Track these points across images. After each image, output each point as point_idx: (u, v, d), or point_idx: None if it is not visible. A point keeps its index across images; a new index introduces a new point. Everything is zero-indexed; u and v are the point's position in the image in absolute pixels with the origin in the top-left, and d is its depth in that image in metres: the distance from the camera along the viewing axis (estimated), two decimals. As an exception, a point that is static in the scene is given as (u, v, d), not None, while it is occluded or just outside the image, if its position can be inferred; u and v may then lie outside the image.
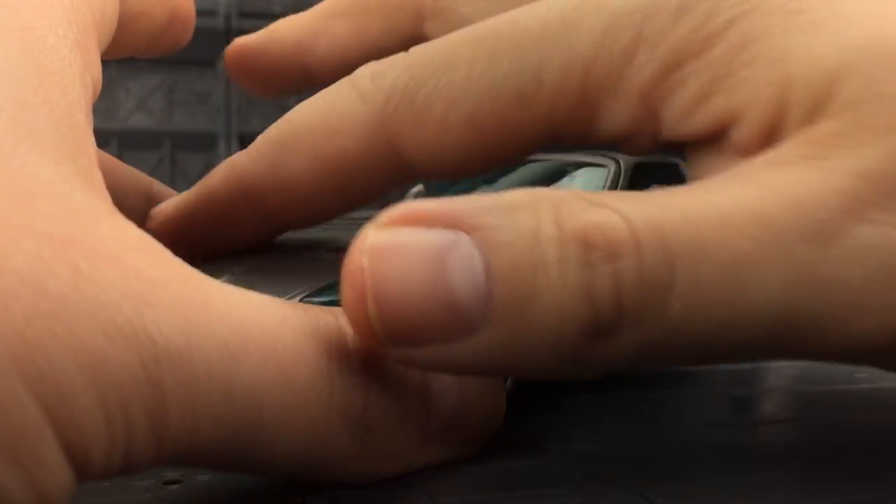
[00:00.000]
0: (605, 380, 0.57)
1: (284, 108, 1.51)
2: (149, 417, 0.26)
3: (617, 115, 0.38)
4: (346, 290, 0.30)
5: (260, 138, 0.46)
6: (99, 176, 0.31)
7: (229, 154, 1.44)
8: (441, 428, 0.36)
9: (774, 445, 0.43)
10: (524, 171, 0.64)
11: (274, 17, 1.30)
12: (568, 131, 0.40)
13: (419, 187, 0.72)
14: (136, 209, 0.56)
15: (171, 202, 0.48)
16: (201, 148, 1.28)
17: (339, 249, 0.49)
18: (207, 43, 1.29)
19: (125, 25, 0.42)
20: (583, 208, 0.30)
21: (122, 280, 0.26)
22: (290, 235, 0.53)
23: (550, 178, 0.62)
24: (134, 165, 1.39)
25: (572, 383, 0.55)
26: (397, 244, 0.29)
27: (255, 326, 0.29)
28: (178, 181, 1.30)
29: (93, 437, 0.25)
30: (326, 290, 0.43)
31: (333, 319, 0.33)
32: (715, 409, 0.51)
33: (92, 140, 0.33)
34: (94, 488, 0.36)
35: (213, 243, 0.46)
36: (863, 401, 0.53)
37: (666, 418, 0.48)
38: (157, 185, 0.59)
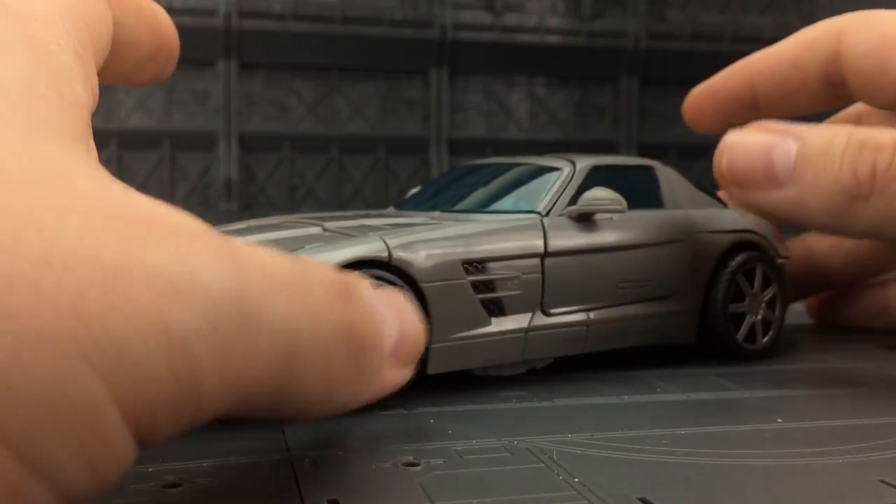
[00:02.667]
0: (603, 383, 0.57)
1: (284, 109, 1.50)
2: (217, 368, 0.26)
3: None
4: (716, 155, 0.55)
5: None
6: (98, 163, 0.32)
7: (229, 154, 1.43)
8: (392, 352, 0.38)
9: (773, 447, 0.43)
10: (486, 172, 0.67)
11: (274, 17, 1.30)
12: None
13: (418, 189, 0.73)
14: None
15: (698, 87, 0.76)
16: (201, 148, 1.28)
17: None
18: (207, 43, 1.29)
19: (115, 52, 0.43)
20: (868, 130, 0.52)
21: (167, 240, 0.27)
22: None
23: (516, 178, 0.64)
24: (134, 165, 1.38)
25: (570, 387, 0.55)
26: (748, 135, 0.54)
27: (277, 268, 0.31)
28: (178, 181, 1.30)
29: (159, 400, 0.25)
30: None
31: (309, 259, 0.35)
32: (712, 414, 0.50)
33: (92, 141, 0.34)
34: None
35: (714, 114, 0.74)
36: (859, 403, 0.53)
37: (664, 421, 0.48)
38: None
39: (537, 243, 0.56)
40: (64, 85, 0.32)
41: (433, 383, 0.54)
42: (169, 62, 0.50)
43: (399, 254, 0.50)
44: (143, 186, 1.31)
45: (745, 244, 0.67)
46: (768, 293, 0.67)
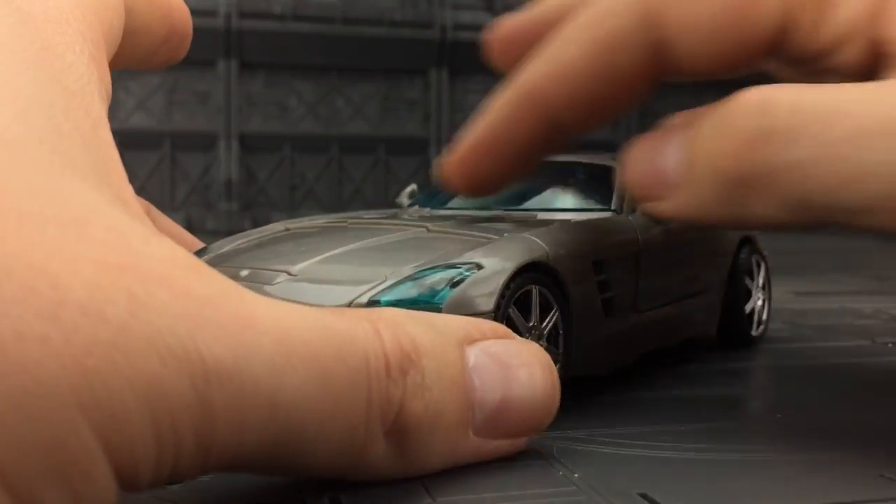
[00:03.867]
0: (604, 380, 0.57)
1: (285, 109, 1.50)
2: (197, 435, 0.27)
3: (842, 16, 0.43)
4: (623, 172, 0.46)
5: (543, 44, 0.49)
6: (131, 191, 0.32)
7: (229, 154, 1.43)
8: (487, 422, 0.37)
9: (773, 443, 0.43)
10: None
11: (274, 17, 1.30)
12: (794, 35, 0.44)
13: (413, 187, 0.72)
14: None
15: (463, 142, 0.50)
16: (201, 148, 1.29)
17: (380, 248, 0.50)
18: (207, 43, 1.29)
19: (126, 38, 0.43)
20: (731, 108, 0.41)
21: (174, 301, 0.27)
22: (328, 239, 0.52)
23: (559, 176, 0.63)
24: (134, 165, 1.38)
25: (570, 385, 0.55)
26: (638, 146, 0.45)
27: (299, 339, 0.30)
28: (178, 181, 1.30)
29: (143, 457, 0.26)
30: (391, 289, 0.44)
31: (370, 325, 0.33)
32: (712, 410, 0.51)
33: (117, 154, 0.34)
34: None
35: (503, 168, 0.49)
36: (858, 399, 0.53)
37: (665, 417, 0.48)
38: (154, 211, 0.58)
39: (633, 240, 0.56)
40: (81, 108, 0.32)
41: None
42: (182, 45, 0.49)
43: (554, 254, 0.48)
44: (144, 187, 1.31)
45: (746, 239, 0.70)
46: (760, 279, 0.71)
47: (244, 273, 0.48)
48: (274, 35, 1.31)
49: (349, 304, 0.43)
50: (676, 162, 0.44)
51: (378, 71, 1.36)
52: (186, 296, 0.28)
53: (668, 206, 0.45)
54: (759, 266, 0.70)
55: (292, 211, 1.27)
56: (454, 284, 0.43)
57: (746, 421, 0.47)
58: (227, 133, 1.29)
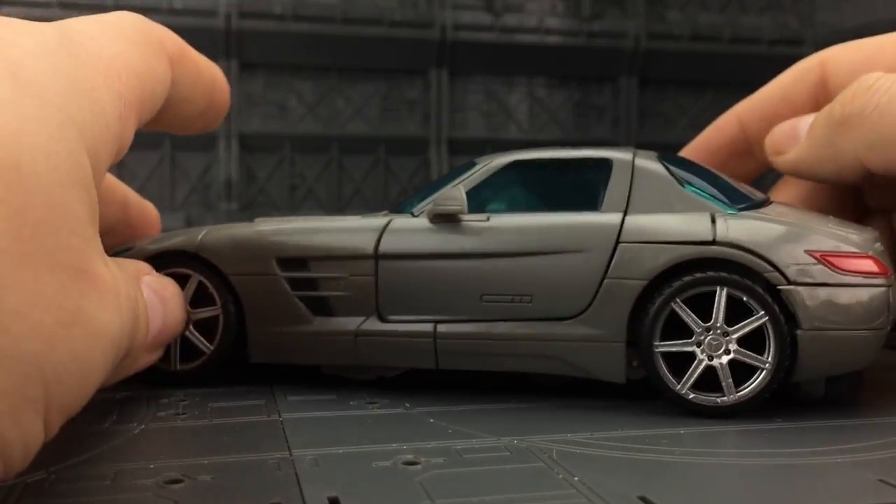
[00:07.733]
0: (603, 383, 0.57)
1: (284, 109, 1.49)
2: None
3: None
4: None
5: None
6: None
7: (229, 154, 1.42)
8: (151, 342, 0.45)
9: (771, 447, 0.43)
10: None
11: (274, 17, 1.30)
12: None
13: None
14: (114, 216, 0.62)
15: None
16: (202, 148, 1.29)
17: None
18: (207, 43, 1.29)
19: (169, 108, 0.48)
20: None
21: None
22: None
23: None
24: (134, 166, 1.38)
25: (570, 387, 0.55)
26: (786, 122, 0.68)
27: (102, 271, 0.35)
28: (178, 181, 1.30)
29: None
30: (126, 250, 0.57)
31: (120, 269, 0.39)
32: (713, 413, 0.51)
33: (103, 151, 0.38)
34: (97, 487, 0.36)
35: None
36: (858, 403, 0.53)
37: (664, 420, 0.48)
38: (133, 196, 0.65)
39: (366, 244, 0.54)
40: (95, 129, 0.36)
41: (433, 383, 0.54)
42: (218, 117, 0.55)
43: (207, 246, 0.55)
44: (144, 186, 1.31)
45: (709, 261, 0.49)
46: (744, 327, 0.48)
47: None
48: (274, 35, 1.31)
49: None
50: (806, 123, 0.63)
51: (378, 71, 1.36)
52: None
53: (790, 156, 0.64)
54: (745, 305, 0.48)
55: (292, 211, 1.28)
56: None
57: (745, 425, 0.47)
58: (227, 133, 1.29)
